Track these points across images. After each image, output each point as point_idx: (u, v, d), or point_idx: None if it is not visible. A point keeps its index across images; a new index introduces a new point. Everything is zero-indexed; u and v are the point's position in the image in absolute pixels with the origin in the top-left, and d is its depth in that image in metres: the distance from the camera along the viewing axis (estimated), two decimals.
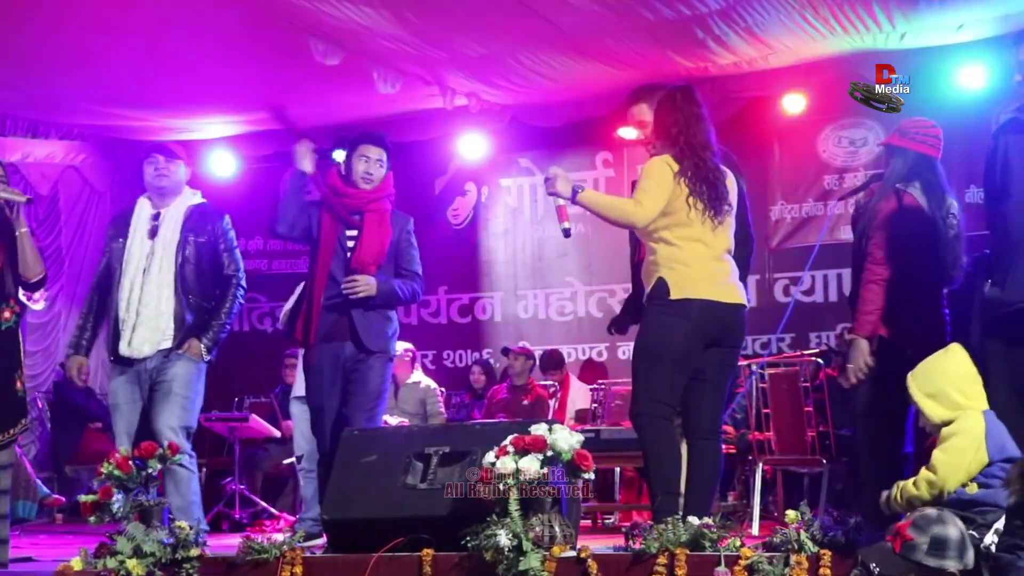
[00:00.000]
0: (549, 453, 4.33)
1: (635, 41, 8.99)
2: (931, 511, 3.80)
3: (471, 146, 11.13)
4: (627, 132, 10.14)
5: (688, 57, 9.30)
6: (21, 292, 5.97)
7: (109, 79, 9.71)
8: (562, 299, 11.23)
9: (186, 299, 5.90)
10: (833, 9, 8.36)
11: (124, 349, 5.86)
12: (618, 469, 8.58)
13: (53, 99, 10.48)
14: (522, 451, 4.33)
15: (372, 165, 6.06)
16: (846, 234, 10.03)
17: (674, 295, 4.85)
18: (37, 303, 11.08)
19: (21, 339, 5.92)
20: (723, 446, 7.80)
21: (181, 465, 5.72)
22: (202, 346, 5.92)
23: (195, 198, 6.17)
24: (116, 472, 5.02)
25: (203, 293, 5.99)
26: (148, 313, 5.85)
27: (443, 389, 9.99)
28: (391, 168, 6.21)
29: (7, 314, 5.80)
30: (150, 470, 5.08)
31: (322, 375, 5.93)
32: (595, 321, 10.84)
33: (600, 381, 9.42)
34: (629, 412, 4.98)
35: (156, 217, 6.02)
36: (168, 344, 5.89)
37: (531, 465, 4.30)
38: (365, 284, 5.85)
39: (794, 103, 9.83)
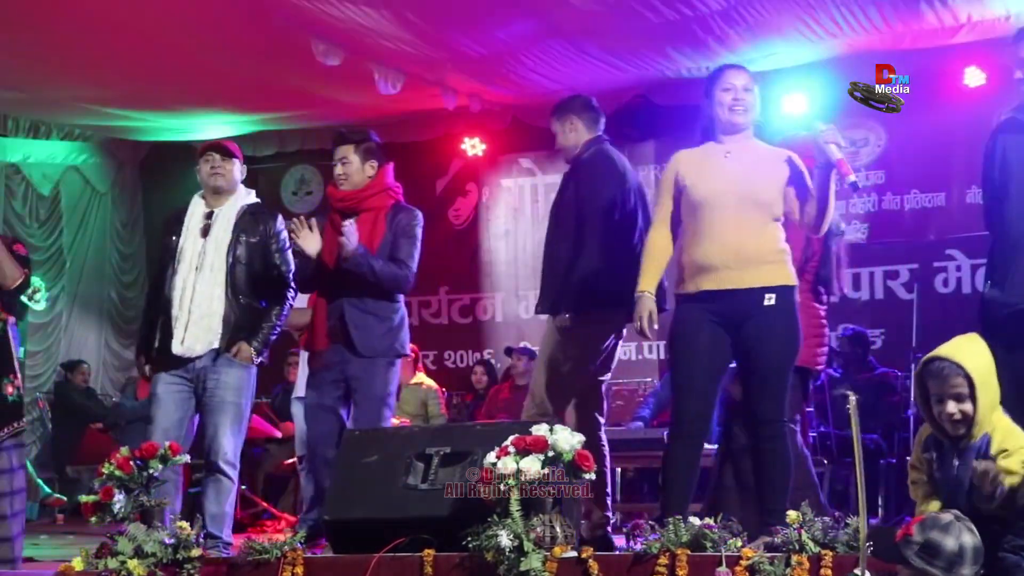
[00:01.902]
0: (550, 453, 4.32)
1: (636, 41, 9.01)
2: (946, 516, 3.72)
3: (472, 146, 11.13)
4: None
5: (689, 57, 9.31)
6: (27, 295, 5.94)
7: (110, 80, 9.72)
8: None
9: (236, 300, 5.77)
10: (833, 11, 8.37)
11: (177, 347, 5.71)
12: (619, 470, 8.58)
13: (55, 100, 10.49)
14: (523, 451, 4.32)
15: (338, 167, 5.96)
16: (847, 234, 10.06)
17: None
18: (39, 304, 11.09)
19: (13, 345, 5.89)
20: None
21: (225, 475, 5.67)
22: (252, 350, 5.77)
23: (249, 197, 6.05)
24: (117, 472, 5.00)
25: (254, 294, 5.84)
26: (200, 312, 5.74)
27: (444, 390, 9.99)
28: (382, 161, 6.03)
29: None
30: (151, 471, 5.06)
31: (320, 376, 5.90)
32: None
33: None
34: (763, 416, 4.73)
35: (210, 216, 5.91)
36: (217, 343, 5.74)
37: (532, 465, 4.29)
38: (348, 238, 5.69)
39: (794, 104, 9.82)
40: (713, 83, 4.93)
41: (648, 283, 4.77)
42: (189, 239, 5.87)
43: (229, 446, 5.69)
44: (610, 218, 5.54)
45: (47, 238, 11.96)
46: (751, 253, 4.70)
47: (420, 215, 6.03)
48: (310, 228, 5.81)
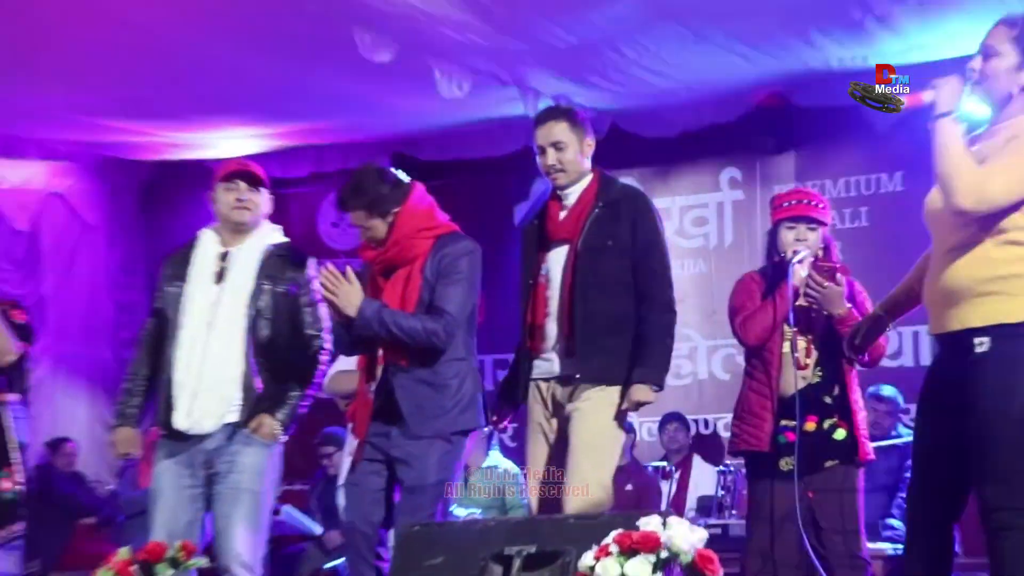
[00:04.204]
0: (664, 554, 4.32)
1: (771, 24, 9.00)
2: None
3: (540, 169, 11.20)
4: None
5: (841, 43, 9.29)
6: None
7: (105, 83, 9.86)
8: (678, 357, 11.17)
9: (257, 362, 5.82)
10: None
11: (181, 421, 5.73)
12: None
13: (32, 109, 10.65)
14: (629, 551, 4.32)
15: (361, 233, 5.85)
16: None
17: None
18: None
19: (11, 430, 6.05)
20: (890, 545, 7.82)
21: None
22: (276, 423, 5.79)
23: (275, 235, 6.11)
24: None
25: (279, 356, 5.89)
26: (214, 378, 5.77)
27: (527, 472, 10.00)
28: (399, 200, 5.80)
29: None
30: None
31: (361, 464, 5.81)
32: (720, 384, 10.82)
33: (729, 462, 9.38)
34: (985, 504, 4.55)
35: (224, 257, 5.96)
36: (234, 417, 5.77)
37: (641, 570, 4.30)
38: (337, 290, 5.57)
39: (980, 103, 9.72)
40: None
41: None
42: (199, 286, 5.91)
43: (245, 544, 5.71)
44: (669, 269, 5.99)
45: (24, 284, 12.12)
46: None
47: (471, 245, 5.91)
48: (347, 279, 5.65)
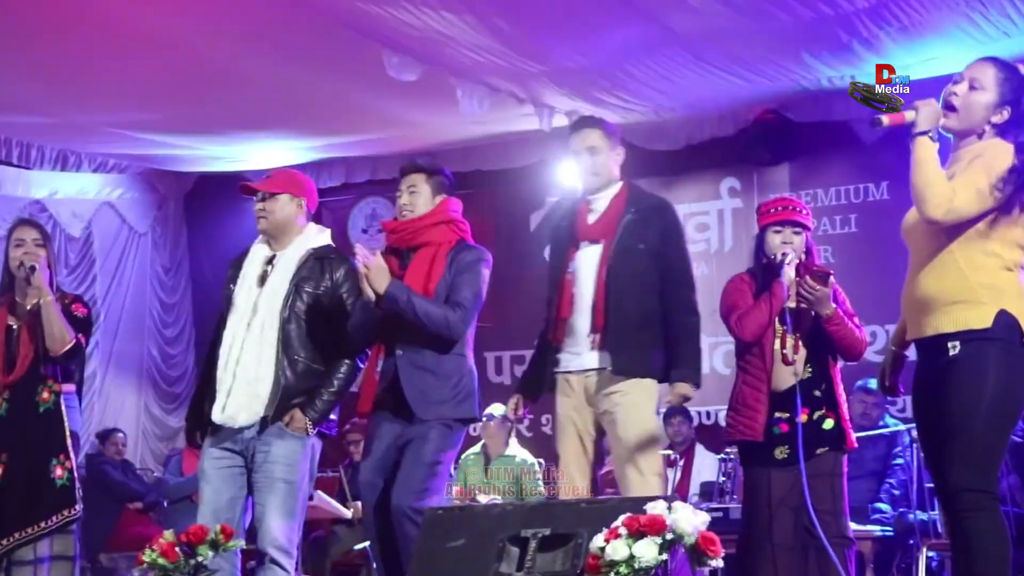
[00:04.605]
0: (669, 536, 4.31)
1: (766, 47, 9.00)
2: None
3: (573, 174, 11.17)
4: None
5: (829, 64, 9.29)
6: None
7: (150, 100, 9.89)
8: None
9: (291, 362, 5.74)
10: (1007, 6, 8.29)
11: (218, 415, 5.71)
12: None
13: (85, 125, 10.68)
14: (637, 534, 4.31)
15: (404, 196, 6.00)
16: None
17: None
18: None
19: (66, 419, 6.06)
20: (878, 527, 7.81)
21: (277, 564, 5.62)
22: (306, 420, 5.71)
23: (320, 238, 6.02)
24: (160, 561, 5.04)
25: (314, 354, 5.81)
26: (246, 376, 5.72)
27: (542, 461, 9.99)
28: (447, 191, 6.08)
29: (45, 395, 5.97)
30: (200, 558, 5.10)
31: (374, 446, 5.91)
32: (722, 379, 10.77)
33: (729, 450, 9.38)
34: (953, 486, 4.65)
35: (271, 261, 5.93)
36: (264, 412, 5.71)
37: (648, 550, 4.29)
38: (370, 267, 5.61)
39: None
40: None
41: None
42: (244, 288, 5.88)
43: (280, 529, 5.65)
44: (692, 273, 6.21)
45: (78, 287, 12.14)
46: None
47: (488, 254, 6.01)
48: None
